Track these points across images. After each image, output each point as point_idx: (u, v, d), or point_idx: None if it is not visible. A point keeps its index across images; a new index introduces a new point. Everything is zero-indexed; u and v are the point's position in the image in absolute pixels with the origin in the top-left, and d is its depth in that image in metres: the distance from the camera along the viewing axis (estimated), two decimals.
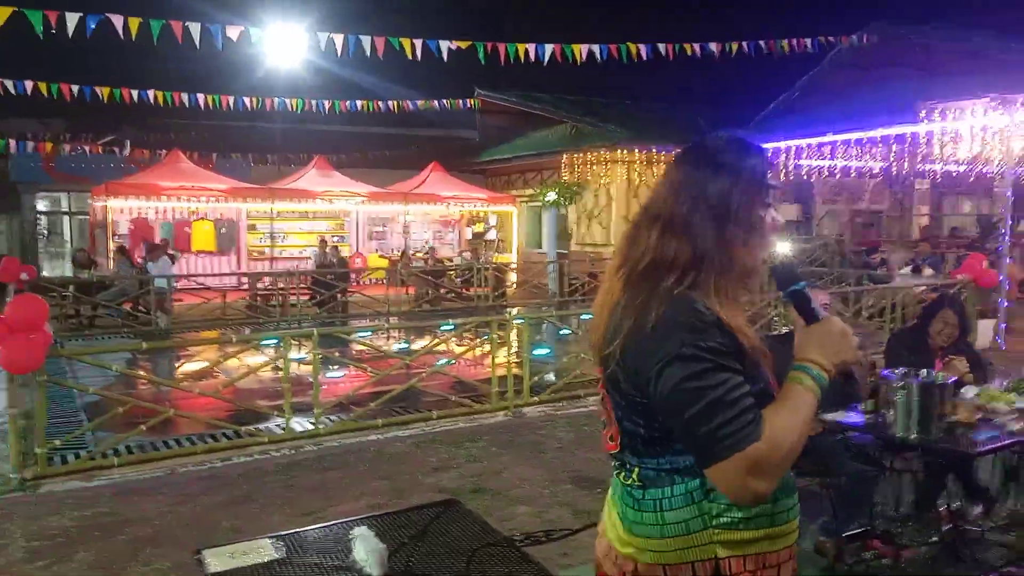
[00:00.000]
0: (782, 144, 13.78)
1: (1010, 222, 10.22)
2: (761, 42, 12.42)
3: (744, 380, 1.38)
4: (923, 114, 11.18)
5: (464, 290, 16.07)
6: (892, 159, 13.41)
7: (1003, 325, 9.61)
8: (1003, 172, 10.70)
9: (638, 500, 1.49)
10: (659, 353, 1.39)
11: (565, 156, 17.29)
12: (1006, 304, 9.76)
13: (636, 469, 1.50)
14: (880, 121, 12.48)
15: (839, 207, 19.51)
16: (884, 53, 14.93)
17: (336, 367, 8.03)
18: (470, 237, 20.04)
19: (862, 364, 1.55)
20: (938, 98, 11.13)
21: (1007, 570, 3.57)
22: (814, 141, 13.69)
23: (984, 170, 12.58)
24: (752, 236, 1.49)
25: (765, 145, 12.86)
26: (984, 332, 9.18)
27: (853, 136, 13.09)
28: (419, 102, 16.73)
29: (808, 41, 12.69)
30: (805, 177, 15.60)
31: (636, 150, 16.55)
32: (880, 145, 13.13)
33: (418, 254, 18.06)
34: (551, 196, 18.16)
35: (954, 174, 14.42)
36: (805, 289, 1.52)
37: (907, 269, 12.32)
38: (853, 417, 3.73)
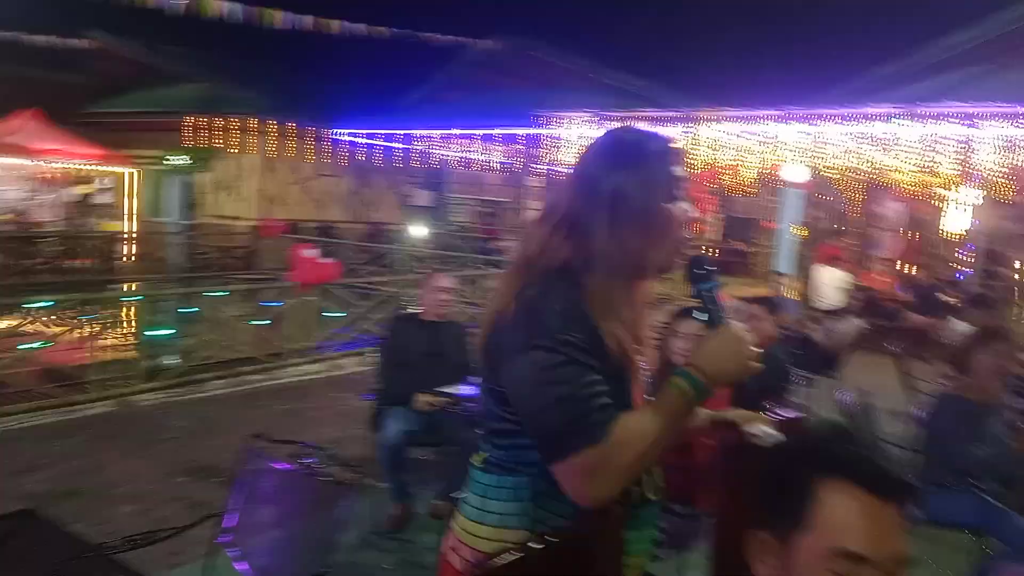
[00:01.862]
0: (418, 132, 14.44)
1: None
2: (407, 30, 12.80)
3: (601, 380, 1.32)
4: (538, 120, 12.65)
5: (64, 262, 13.90)
6: (513, 156, 14.95)
7: None
8: None
9: (475, 481, 1.48)
10: (516, 341, 1.34)
11: (195, 119, 15.89)
12: None
13: (485, 454, 1.48)
14: (503, 121, 13.79)
15: (468, 197, 21.12)
16: (510, 60, 16.49)
17: None
18: (74, 200, 17.33)
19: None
20: (550, 107, 12.66)
21: None
22: (447, 132, 14.62)
23: None
24: (653, 231, 1.40)
25: (404, 132, 13.33)
26: None
27: (480, 132, 14.24)
28: (20, 34, 13.90)
29: (448, 37, 13.44)
30: (440, 166, 16.57)
31: (273, 122, 15.92)
32: (502, 143, 14.54)
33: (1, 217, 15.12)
34: (178, 161, 16.56)
35: (560, 175, 16.56)
36: (713, 290, 1.43)
37: None
38: (468, 389, 4.05)
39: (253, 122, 15.84)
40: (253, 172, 16.43)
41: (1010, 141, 8.26)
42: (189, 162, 16.53)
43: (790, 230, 10.56)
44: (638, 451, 1.28)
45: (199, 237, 15.81)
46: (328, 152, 16.71)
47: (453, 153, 16.15)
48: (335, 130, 16.21)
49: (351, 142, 16.32)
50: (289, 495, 2.33)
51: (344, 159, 16.68)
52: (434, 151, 15.99)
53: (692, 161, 11.02)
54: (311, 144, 16.36)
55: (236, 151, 16.16)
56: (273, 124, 15.93)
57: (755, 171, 12.70)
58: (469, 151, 15.58)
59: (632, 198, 1.38)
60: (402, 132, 15.11)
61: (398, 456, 3.85)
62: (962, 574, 3.18)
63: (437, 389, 3.90)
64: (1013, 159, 8.53)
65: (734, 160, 10.74)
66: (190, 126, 15.87)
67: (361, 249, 15.10)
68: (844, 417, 3.70)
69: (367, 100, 15.41)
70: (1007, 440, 3.25)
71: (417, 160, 15.71)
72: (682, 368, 1.34)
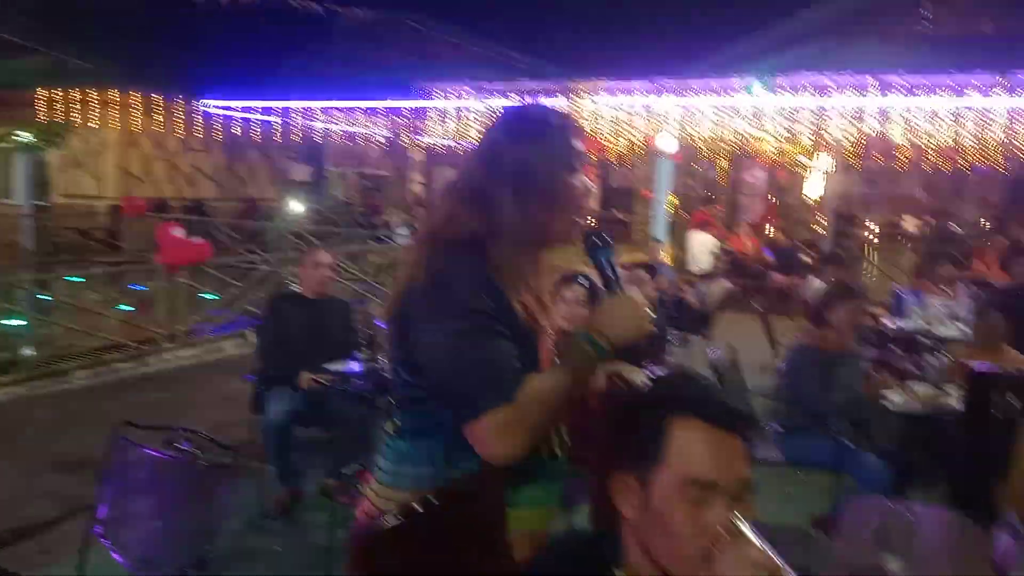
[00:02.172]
0: (295, 104, 13.93)
1: None
2: None
3: (509, 344, 1.38)
4: (419, 92, 12.47)
5: None
6: (395, 129, 14.68)
7: None
8: None
9: (388, 448, 1.51)
10: (427, 311, 1.40)
11: (48, 92, 14.63)
12: None
13: (397, 422, 1.51)
14: (384, 94, 13.50)
15: (348, 171, 20.61)
16: (389, 31, 16.12)
17: None
18: None
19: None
20: (431, 79, 12.50)
21: None
22: (327, 105, 14.17)
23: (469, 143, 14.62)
24: (556, 202, 1.46)
25: (279, 104, 12.81)
26: None
27: (361, 104, 13.89)
28: None
29: (316, 5, 12.96)
30: (318, 140, 16.06)
31: (136, 94, 14.89)
32: (383, 115, 14.25)
33: None
34: (26, 138, 15.21)
35: (442, 148, 16.42)
36: (610, 258, 1.51)
37: (404, 230, 13.69)
38: (354, 366, 4.00)
39: (113, 94, 14.74)
40: (112, 147, 15.35)
41: (858, 110, 8.90)
42: (39, 138, 15.23)
43: (665, 198, 10.98)
44: (545, 409, 1.36)
45: (54, 219, 14.65)
46: (199, 125, 15.82)
47: (333, 126, 15.68)
48: (205, 102, 15.34)
49: (225, 116, 15.50)
50: (165, 483, 2.24)
51: (217, 133, 15.85)
52: (313, 124, 15.45)
53: None
54: (180, 117, 15.42)
55: (96, 125, 15.03)
56: (136, 96, 14.89)
57: (631, 142, 13.12)
58: (350, 124, 15.18)
59: (535, 170, 1.44)
60: (279, 105, 14.49)
61: (283, 437, 3.77)
62: (823, 508, 3.47)
63: (323, 367, 3.82)
64: (862, 127, 9.20)
65: (611, 131, 11.03)
66: (43, 100, 14.62)
67: (235, 227, 14.46)
68: (714, 372, 3.92)
69: (238, 70, 14.63)
70: (858, 386, 3.55)
71: (295, 134, 15.13)
72: (585, 332, 1.42)
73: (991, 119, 8.46)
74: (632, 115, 10.03)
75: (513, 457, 1.36)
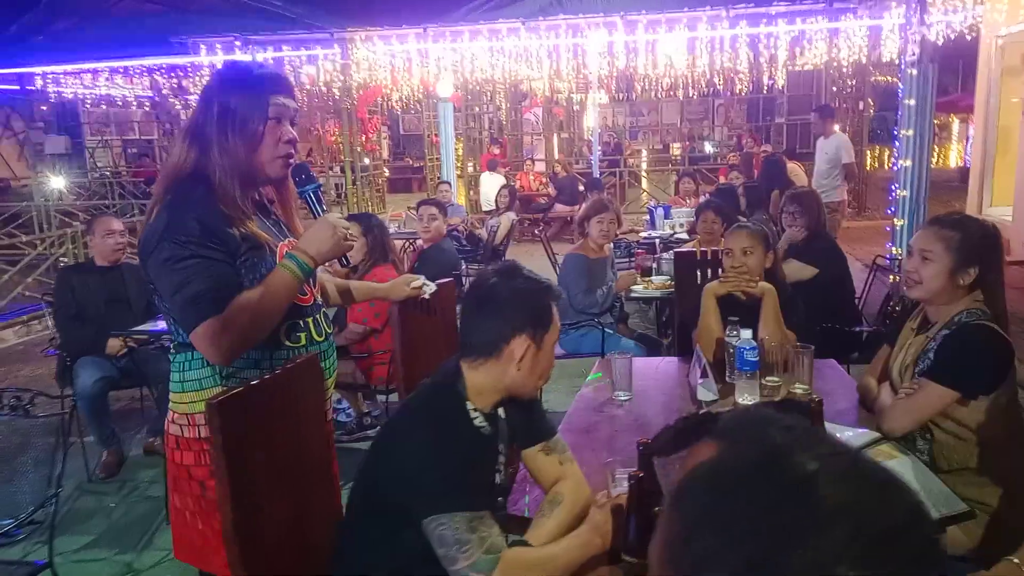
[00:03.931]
0: (39, 70, 12.58)
1: None
2: None
3: (224, 265, 1.62)
4: (179, 46, 11.73)
5: None
6: (156, 89, 13.70)
7: None
8: None
9: (174, 363, 1.78)
10: (153, 239, 1.63)
11: None
12: None
13: (176, 340, 1.76)
14: (139, 51, 12.54)
15: (111, 138, 18.95)
16: None
17: None
18: None
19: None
20: (190, 32, 11.80)
21: None
22: (72, 69, 12.92)
23: None
24: (254, 143, 1.70)
25: (16, 70, 11.46)
26: None
27: (114, 64, 12.83)
28: None
29: None
30: (72, 106, 14.61)
31: None
32: (141, 75, 13.24)
33: None
34: None
35: None
36: (317, 191, 1.83)
37: None
38: (161, 324, 4.06)
39: None
40: None
41: (609, 47, 9.81)
42: None
43: (451, 142, 11.42)
44: (255, 314, 1.64)
45: None
46: None
47: (85, 90, 14.33)
48: None
49: None
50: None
51: None
52: (62, 91, 14.02)
53: (350, 83, 11.24)
54: None
55: None
56: None
57: (411, 89, 13.34)
58: (106, 87, 13.96)
59: (235, 116, 1.69)
60: (13, 72, 13.00)
61: (97, 403, 3.83)
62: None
63: (130, 330, 3.89)
64: (614, 63, 10.16)
65: (391, 79, 11.20)
66: None
67: None
68: None
69: None
70: (612, 283, 4.28)
71: (43, 103, 13.68)
72: (290, 252, 1.74)
73: (725, 48, 9.70)
74: (408, 62, 10.28)
75: (231, 357, 1.66)
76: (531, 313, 1.58)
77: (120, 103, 15.56)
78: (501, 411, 1.66)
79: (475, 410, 1.58)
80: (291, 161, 1.78)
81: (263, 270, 1.70)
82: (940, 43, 8.60)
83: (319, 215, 1.81)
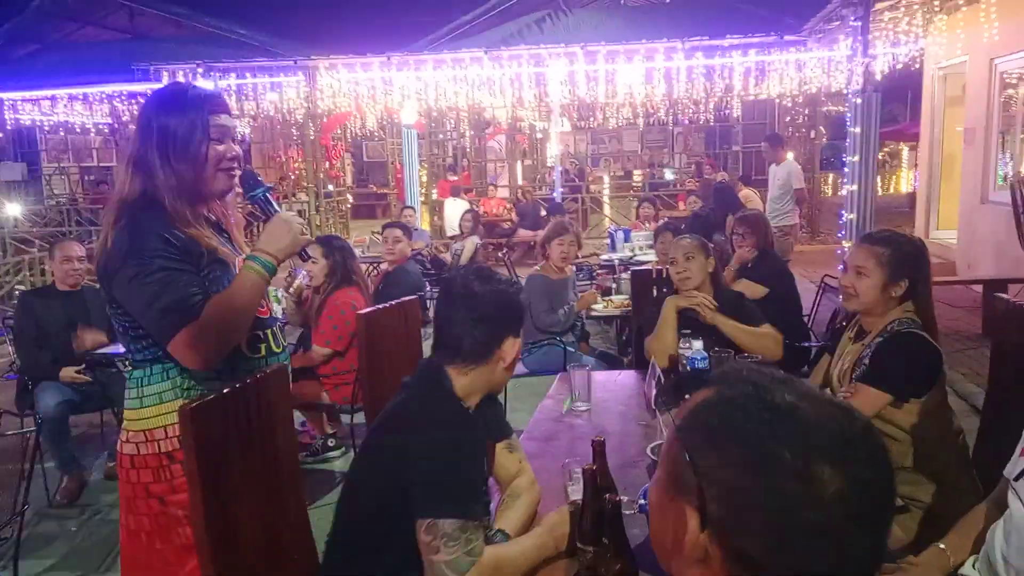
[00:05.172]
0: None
1: None
2: None
3: (189, 276, 1.65)
4: (139, 74, 11.69)
5: None
6: (115, 116, 13.60)
7: None
8: None
9: (130, 380, 1.77)
10: (117, 263, 1.65)
11: None
12: None
13: (130, 357, 1.77)
14: (100, 77, 12.47)
15: (68, 165, 18.69)
16: (92, 9, 14.80)
17: None
18: None
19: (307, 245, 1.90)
20: (150, 59, 11.76)
21: None
22: (26, 96, 12.77)
23: None
24: (196, 163, 1.71)
25: None
26: None
27: (78, 91, 12.72)
28: None
29: None
30: (30, 133, 14.40)
31: None
32: (100, 101, 13.14)
33: None
34: None
35: None
36: (267, 193, 1.84)
37: None
38: (120, 348, 4.06)
39: None
40: None
41: (570, 76, 10.06)
42: None
43: (416, 168, 11.53)
44: (227, 321, 1.68)
45: None
46: None
47: (43, 117, 14.15)
48: None
49: None
50: None
51: None
52: (19, 117, 13.83)
53: (314, 110, 11.31)
54: None
55: None
56: None
57: (375, 116, 13.45)
58: (64, 113, 13.81)
59: (175, 137, 1.70)
60: None
61: (58, 427, 3.80)
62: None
63: (89, 355, 3.89)
64: (576, 92, 10.40)
65: (354, 106, 11.30)
66: None
67: None
68: None
69: None
70: (573, 303, 4.39)
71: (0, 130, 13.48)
72: (251, 253, 1.76)
73: (681, 78, 10.00)
74: (372, 89, 10.40)
75: (208, 364, 1.67)
76: (515, 315, 1.70)
77: (79, 130, 15.38)
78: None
79: (467, 409, 1.66)
80: (234, 173, 1.81)
81: (226, 283, 1.74)
82: (884, 73, 9.04)
83: (271, 215, 1.83)
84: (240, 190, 1.90)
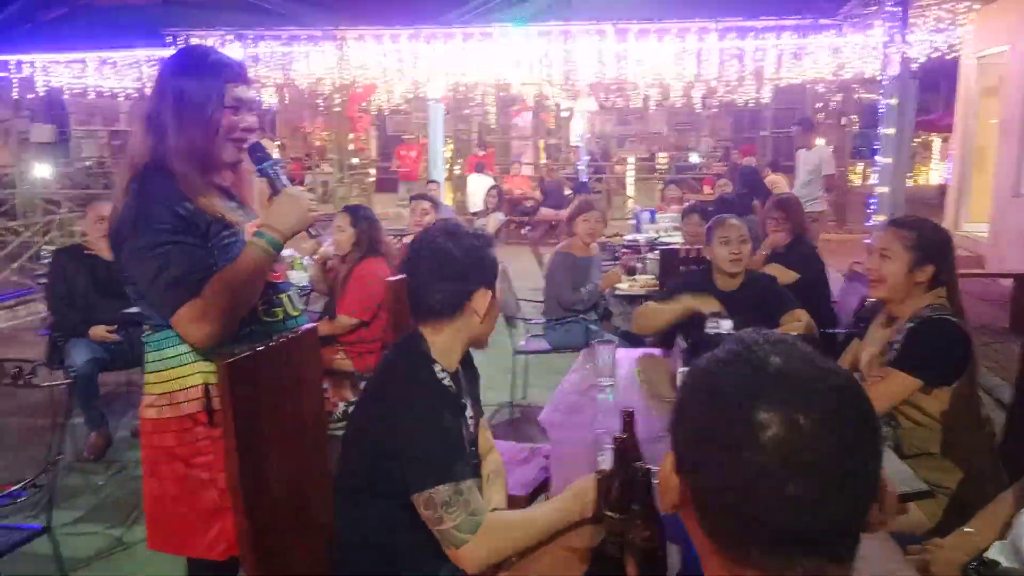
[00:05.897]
0: (27, 58, 12.52)
1: None
2: None
3: (196, 249, 1.64)
4: (169, 39, 11.72)
5: None
6: (146, 81, 13.67)
7: None
8: None
9: (149, 344, 1.76)
10: (126, 228, 1.65)
11: None
12: None
13: (151, 321, 1.76)
14: (131, 42, 12.51)
15: (96, 128, 18.86)
16: None
17: None
18: None
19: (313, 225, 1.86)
20: (179, 25, 11.77)
21: None
22: (58, 59, 12.86)
23: None
24: (208, 129, 1.69)
25: (3, 58, 11.39)
26: None
27: (107, 55, 12.79)
28: None
29: None
30: (57, 96, 14.53)
31: None
32: (131, 67, 13.19)
33: None
34: None
35: None
36: (276, 166, 1.80)
37: None
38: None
39: None
40: None
41: (599, 54, 9.96)
42: None
43: (441, 143, 11.51)
44: (232, 296, 1.66)
45: None
46: None
47: (73, 80, 14.26)
48: None
49: None
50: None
51: None
52: (50, 79, 13.94)
53: (341, 81, 11.29)
54: None
55: None
56: None
57: (402, 89, 13.40)
58: (96, 77, 13.90)
59: (190, 102, 1.68)
60: (6, 59, 12.92)
61: (88, 385, 3.87)
62: None
63: (124, 312, 3.94)
64: (605, 71, 10.30)
65: (381, 79, 11.27)
66: None
67: None
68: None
69: None
70: (597, 281, 4.39)
71: (30, 92, 13.59)
72: (258, 229, 1.74)
73: (711, 60, 9.87)
74: (400, 62, 10.35)
75: (211, 340, 1.64)
76: (485, 266, 1.67)
77: (108, 94, 15.46)
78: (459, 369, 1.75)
79: (442, 371, 1.65)
80: (244, 145, 1.78)
81: (235, 251, 1.72)
82: (922, 61, 8.86)
83: (280, 190, 1.79)
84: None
